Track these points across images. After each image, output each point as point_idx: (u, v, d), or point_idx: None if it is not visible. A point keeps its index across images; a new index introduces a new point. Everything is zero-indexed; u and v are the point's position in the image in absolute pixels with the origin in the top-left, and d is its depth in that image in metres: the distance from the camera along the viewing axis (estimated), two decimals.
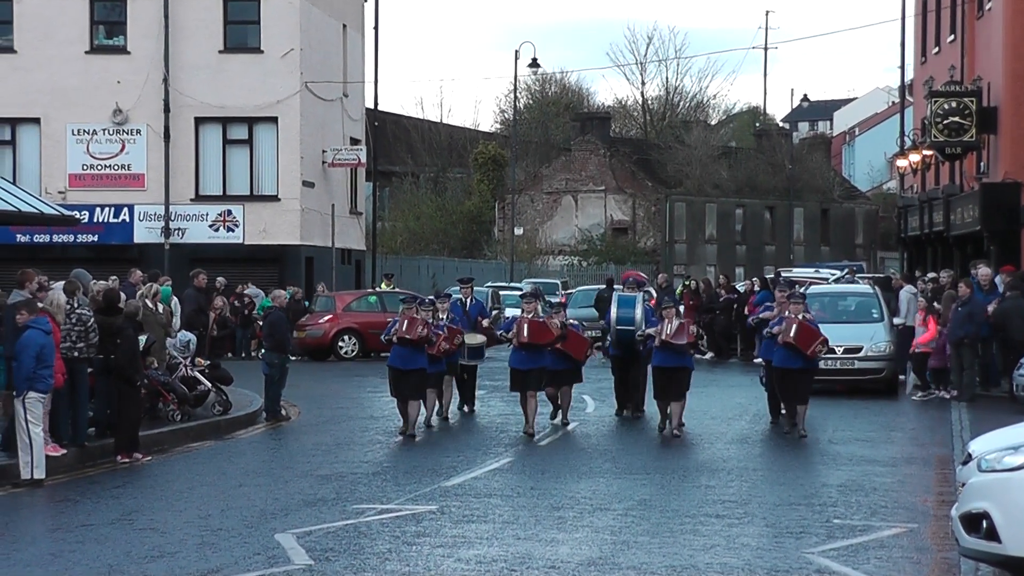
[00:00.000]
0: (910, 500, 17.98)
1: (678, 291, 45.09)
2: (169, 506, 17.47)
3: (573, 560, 14.07)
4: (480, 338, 26.80)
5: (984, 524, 12.49)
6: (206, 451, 22.68)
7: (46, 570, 13.60)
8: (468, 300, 27.59)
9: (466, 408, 27.22)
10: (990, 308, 29.89)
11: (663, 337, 23.52)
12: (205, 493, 18.47)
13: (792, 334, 23.35)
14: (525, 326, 23.87)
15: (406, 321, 23.60)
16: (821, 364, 25.90)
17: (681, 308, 25.14)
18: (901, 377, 32.24)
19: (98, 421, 21.86)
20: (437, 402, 25.65)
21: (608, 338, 26.58)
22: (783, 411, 24.71)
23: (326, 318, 41.61)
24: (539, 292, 26.95)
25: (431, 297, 26.25)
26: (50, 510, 17.56)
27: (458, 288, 28.35)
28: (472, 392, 27.52)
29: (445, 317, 25.40)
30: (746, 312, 40.62)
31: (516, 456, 21.60)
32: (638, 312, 25.09)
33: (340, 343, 41.33)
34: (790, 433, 23.48)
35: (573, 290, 55.09)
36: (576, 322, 40.90)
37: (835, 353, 29.00)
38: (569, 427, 24.82)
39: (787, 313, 23.86)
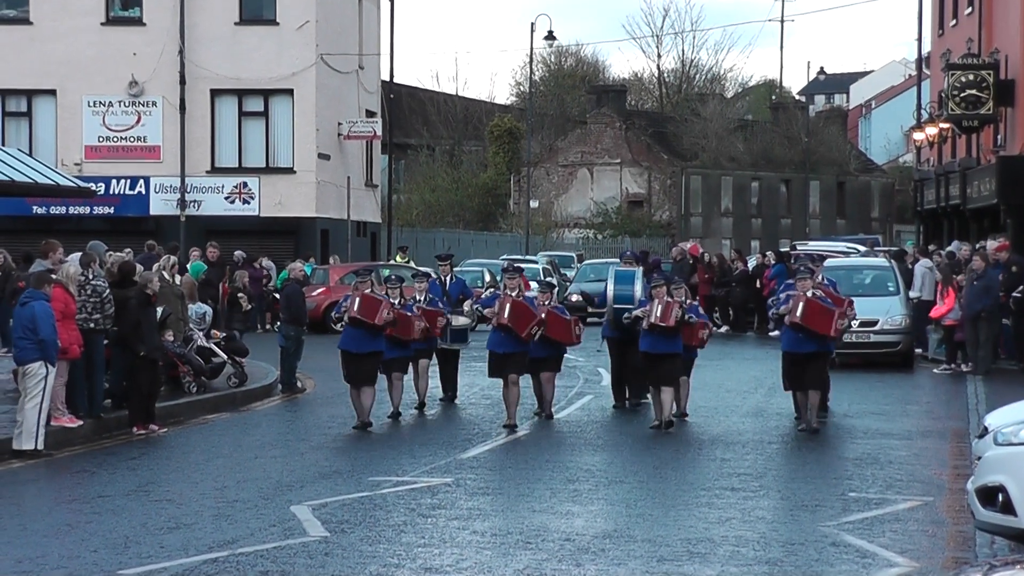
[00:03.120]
0: (926, 473, 17.95)
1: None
2: (185, 478, 17.51)
3: (588, 533, 14.08)
4: (464, 320, 24.34)
5: (1000, 497, 12.47)
6: (222, 423, 22.72)
7: (62, 541, 13.64)
8: (448, 279, 25.00)
9: (447, 396, 24.76)
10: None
11: (652, 320, 21.21)
12: (221, 465, 18.50)
13: (799, 313, 20.81)
14: (507, 305, 21.54)
15: (358, 299, 21.40)
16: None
17: (679, 289, 21.75)
18: (918, 350, 32.22)
19: (114, 393, 21.90)
20: (416, 389, 23.53)
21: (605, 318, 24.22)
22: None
23: (319, 291, 41.37)
24: (521, 267, 23.88)
25: (396, 275, 24.00)
26: (66, 481, 17.61)
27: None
28: (454, 379, 24.96)
29: (423, 299, 23.36)
30: (759, 285, 40.73)
31: (530, 429, 21.59)
32: (637, 288, 22.82)
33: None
34: (804, 429, 21.01)
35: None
36: (579, 298, 40.45)
37: (852, 326, 28.92)
38: (553, 420, 22.53)
39: (796, 289, 21.28)
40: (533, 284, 23.43)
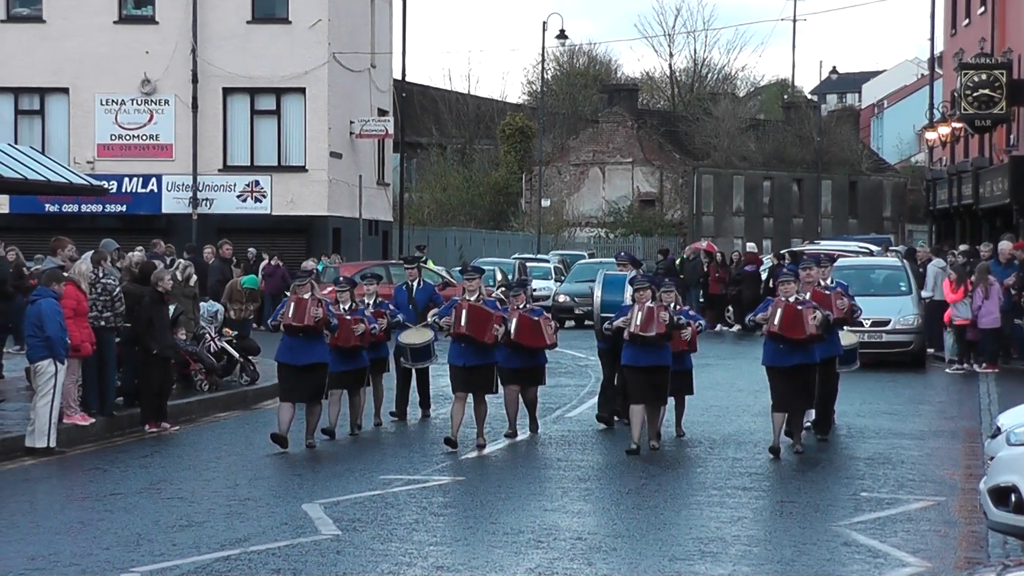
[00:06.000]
0: (938, 473, 17.92)
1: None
2: (197, 475, 17.53)
3: (600, 532, 14.07)
4: (427, 334, 21.40)
5: (1013, 497, 12.44)
6: (233, 421, 22.74)
7: (75, 538, 13.66)
8: (415, 284, 22.62)
9: (402, 412, 22.39)
10: (1008, 281, 29.84)
11: (632, 329, 18.66)
12: (233, 463, 18.52)
13: (776, 322, 18.40)
14: (464, 312, 19.05)
15: (293, 304, 19.16)
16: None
17: (669, 293, 19.52)
18: (930, 351, 32.15)
19: (126, 391, 21.92)
20: (366, 401, 21.16)
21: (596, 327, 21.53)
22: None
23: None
24: (482, 268, 21.12)
25: (344, 276, 21.83)
26: (78, 479, 17.63)
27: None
28: (426, 394, 22.76)
29: (371, 302, 21.01)
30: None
31: (542, 428, 21.53)
32: (627, 295, 19.94)
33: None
34: (772, 449, 18.75)
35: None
36: (567, 298, 39.13)
37: (862, 327, 28.83)
38: (537, 433, 20.75)
39: (778, 295, 18.85)
40: (496, 292, 21.56)
